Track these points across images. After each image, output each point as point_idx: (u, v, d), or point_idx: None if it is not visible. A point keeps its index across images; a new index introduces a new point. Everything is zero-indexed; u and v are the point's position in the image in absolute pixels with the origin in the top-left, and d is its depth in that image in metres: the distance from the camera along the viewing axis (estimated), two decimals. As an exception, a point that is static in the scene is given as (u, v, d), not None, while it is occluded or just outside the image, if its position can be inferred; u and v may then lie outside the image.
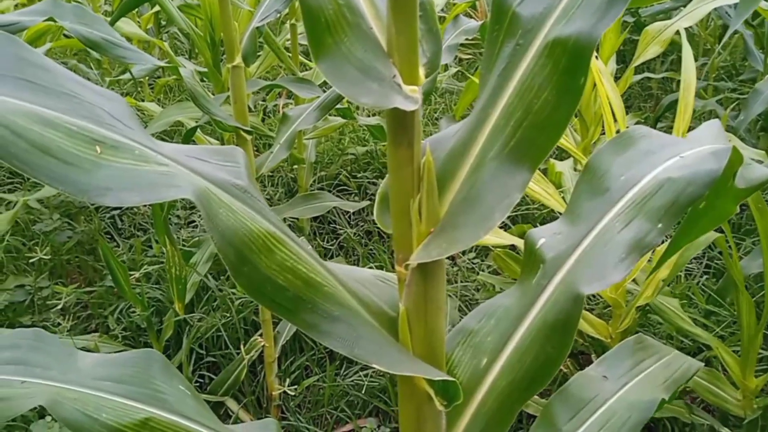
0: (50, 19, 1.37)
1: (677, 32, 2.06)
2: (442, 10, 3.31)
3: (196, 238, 2.21)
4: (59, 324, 2.06)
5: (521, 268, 0.78)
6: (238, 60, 1.61)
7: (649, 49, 1.96)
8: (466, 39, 2.89)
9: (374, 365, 0.57)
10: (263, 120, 3.31)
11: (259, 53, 2.97)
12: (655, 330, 2.21)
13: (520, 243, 1.73)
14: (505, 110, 0.57)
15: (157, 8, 3.38)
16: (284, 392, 1.87)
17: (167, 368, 0.73)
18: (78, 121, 0.50)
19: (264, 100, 3.52)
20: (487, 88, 0.59)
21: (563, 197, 1.93)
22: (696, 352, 2.14)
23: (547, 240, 0.75)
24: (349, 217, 2.70)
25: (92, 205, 2.65)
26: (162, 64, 1.47)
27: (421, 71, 0.56)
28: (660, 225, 0.71)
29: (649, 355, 0.93)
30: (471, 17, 3.11)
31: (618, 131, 1.52)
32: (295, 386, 1.88)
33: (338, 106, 2.28)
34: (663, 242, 1.37)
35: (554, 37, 0.55)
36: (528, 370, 0.69)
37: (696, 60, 3.83)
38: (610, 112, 1.48)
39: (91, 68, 3.96)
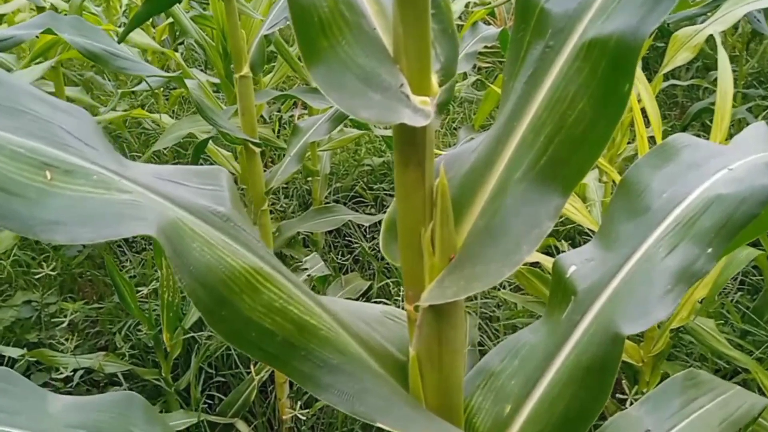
0: (48, 31, 1.31)
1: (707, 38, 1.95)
2: (459, 17, 3.23)
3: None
4: (67, 340, 2.00)
5: (549, 299, 0.69)
6: (246, 70, 1.54)
7: (678, 56, 1.85)
8: (485, 47, 2.81)
9: (379, 424, 0.49)
10: (278, 132, 3.25)
11: (273, 64, 2.91)
12: (687, 351, 2.10)
13: (543, 259, 1.64)
14: (534, 123, 0.48)
15: (171, 19, 3.34)
16: (296, 415, 1.79)
17: (149, 413, 0.64)
18: (26, 141, 0.42)
19: (279, 111, 3.45)
20: (512, 97, 0.51)
21: (588, 210, 1.83)
22: (731, 374, 2.02)
23: (579, 267, 0.66)
24: (365, 230, 2.62)
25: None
26: (164, 74, 1.40)
27: (434, 79, 0.47)
28: (710, 250, 0.61)
29: (703, 392, 0.83)
30: (489, 24, 3.03)
31: (651, 138, 1.42)
32: (308, 409, 1.79)
33: (353, 117, 2.21)
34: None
35: (592, 36, 0.46)
36: (559, 421, 0.60)
37: (723, 67, 3.69)
38: (641, 119, 1.38)
39: (109, 80, 3.94)
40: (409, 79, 0.45)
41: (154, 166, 0.51)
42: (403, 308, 0.63)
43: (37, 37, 2.60)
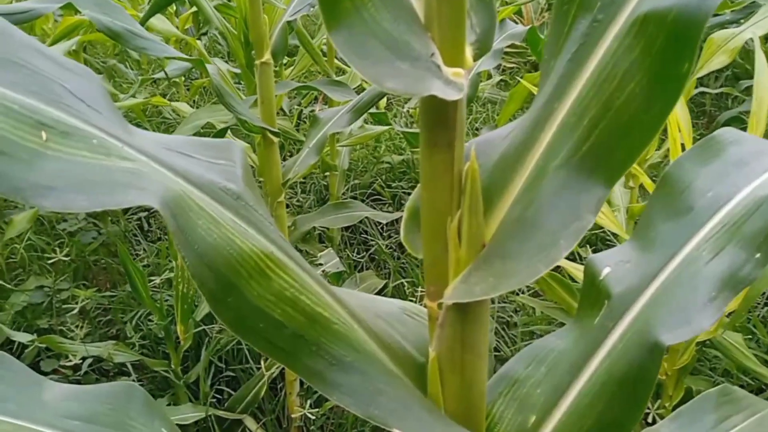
0: (68, 6, 1.28)
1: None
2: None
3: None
4: (78, 327, 1.98)
5: (579, 303, 0.64)
6: (267, 56, 1.50)
7: (714, 60, 1.79)
8: (510, 47, 2.74)
9: (394, 429, 0.44)
10: (298, 125, 3.22)
11: (294, 57, 2.88)
12: (711, 365, 2.03)
13: (565, 264, 1.58)
14: (577, 105, 0.44)
15: (195, 8, 3.33)
16: (305, 414, 1.75)
17: (148, 406, 0.61)
18: (22, 97, 0.39)
19: (300, 105, 3.42)
20: (552, 77, 0.46)
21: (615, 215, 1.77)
22: (757, 391, 1.95)
23: (613, 270, 0.61)
24: (382, 228, 2.57)
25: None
26: (183, 56, 1.37)
27: (468, 51, 0.43)
28: (758, 255, 0.56)
29: (738, 410, 0.77)
30: (517, 23, 2.97)
31: (683, 146, 1.36)
32: (318, 408, 1.75)
33: (373, 111, 2.17)
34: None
35: (647, 10, 0.41)
36: (588, 435, 0.55)
37: (752, 77, 3.60)
38: (675, 122, 1.32)
39: (131, 68, 3.94)
40: (441, 49, 0.41)
41: (163, 135, 0.47)
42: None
43: (56, 20, 2.59)
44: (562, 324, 2.07)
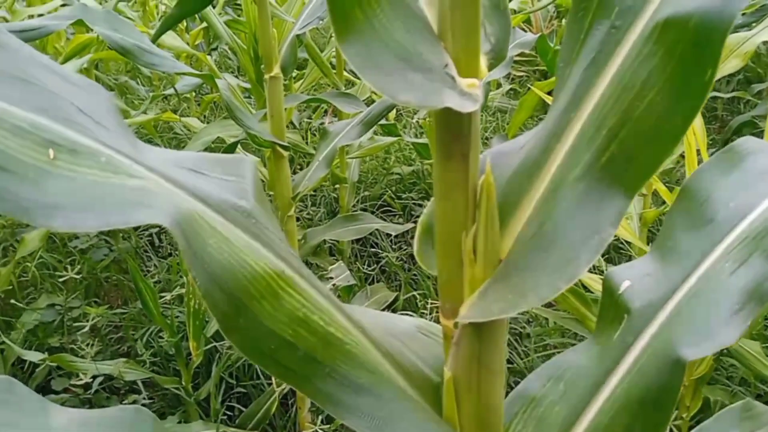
0: (79, 22, 1.29)
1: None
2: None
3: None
4: (89, 345, 1.97)
5: (598, 318, 0.62)
6: (276, 70, 1.50)
7: (727, 63, 1.77)
8: (519, 56, 2.73)
9: (410, 453, 0.43)
10: (307, 139, 3.22)
11: (303, 70, 2.88)
12: (728, 374, 1.99)
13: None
14: (595, 115, 0.42)
15: (205, 24, 3.35)
16: (317, 431, 1.73)
17: (158, 430, 0.59)
18: (30, 115, 0.38)
19: (310, 118, 3.43)
20: (569, 85, 0.45)
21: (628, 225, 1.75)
22: (776, 401, 1.92)
23: (634, 283, 0.60)
24: (392, 240, 2.56)
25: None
26: (193, 71, 1.37)
27: (483, 61, 0.42)
28: (785, 265, 0.55)
29: (760, 424, 0.75)
30: (525, 32, 2.96)
31: (697, 151, 1.34)
32: (329, 425, 1.73)
33: (383, 122, 2.16)
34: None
35: (668, 15, 0.40)
36: (610, 455, 0.54)
37: (765, 81, 3.58)
38: (690, 126, 1.30)
39: (143, 85, 3.96)
40: (455, 60, 0.40)
41: (173, 152, 0.46)
42: (433, 321, 0.58)
43: (68, 38, 2.61)
44: (576, 335, 2.04)
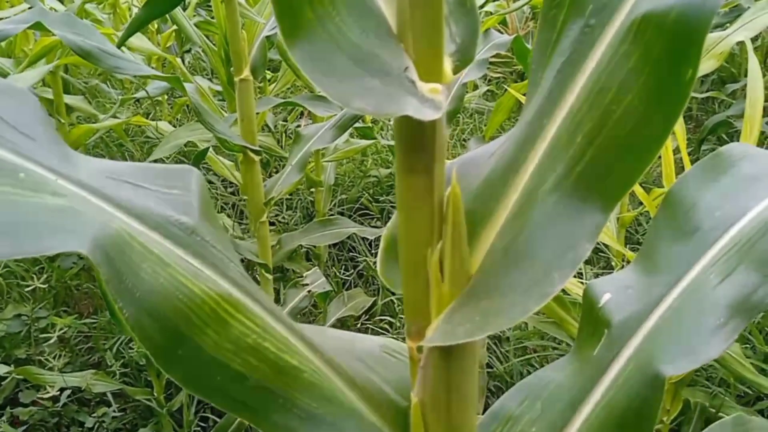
0: (37, 26, 1.23)
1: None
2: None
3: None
4: (57, 357, 1.91)
5: (578, 332, 0.59)
6: (246, 73, 1.46)
7: (702, 64, 1.76)
8: (496, 57, 2.71)
9: (373, 490, 0.39)
10: (283, 142, 3.17)
11: (278, 73, 2.84)
12: (708, 374, 1.99)
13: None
14: (569, 121, 0.39)
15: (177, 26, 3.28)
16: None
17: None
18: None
19: (285, 121, 3.38)
20: (541, 89, 0.41)
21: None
22: (754, 400, 1.92)
23: (614, 296, 0.57)
24: (369, 244, 2.52)
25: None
26: (158, 74, 1.32)
27: (447, 63, 0.38)
28: (773, 276, 0.52)
29: (755, 439, 0.72)
30: (501, 33, 2.94)
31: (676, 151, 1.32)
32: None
33: (358, 125, 2.12)
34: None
35: (644, 12, 0.37)
36: (590, 479, 0.51)
37: (739, 80, 3.60)
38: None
39: (114, 88, 3.88)
40: (416, 63, 0.36)
41: (111, 163, 0.42)
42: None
43: (37, 41, 2.54)
44: (555, 339, 2.02)
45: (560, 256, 0.37)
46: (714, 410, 1.69)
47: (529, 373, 1.94)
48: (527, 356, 1.96)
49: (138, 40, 2.48)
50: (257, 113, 2.08)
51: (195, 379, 0.37)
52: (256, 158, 1.54)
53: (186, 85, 1.48)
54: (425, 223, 0.41)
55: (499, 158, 0.43)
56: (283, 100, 1.78)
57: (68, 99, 2.58)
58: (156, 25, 3.51)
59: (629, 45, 0.37)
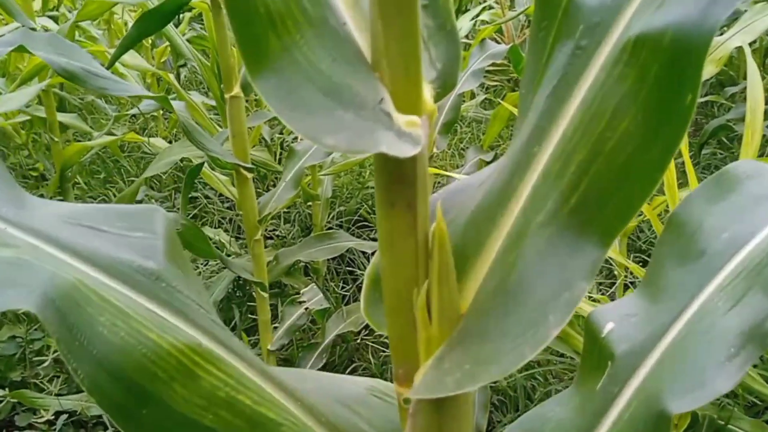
0: (21, 48, 1.21)
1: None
2: (467, 36, 3.13)
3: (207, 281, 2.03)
4: (52, 380, 1.88)
5: (580, 364, 0.56)
6: (237, 90, 1.43)
7: (701, 69, 1.73)
8: (494, 65, 2.69)
9: None
10: (279, 155, 3.14)
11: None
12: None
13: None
14: (561, 149, 0.36)
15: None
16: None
17: None
18: None
19: (281, 133, 3.35)
20: (531, 115, 0.39)
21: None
22: (763, 410, 1.88)
23: (618, 325, 0.54)
24: (368, 257, 2.49)
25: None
26: (146, 94, 1.29)
27: (427, 92, 0.35)
28: (787, 302, 0.49)
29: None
30: (498, 43, 2.92)
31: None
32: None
33: (313, 143, 2.09)
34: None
35: (639, 32, 0.34)
36: None
37: (738, 83, 3.58)
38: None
39: (110, 104, 3.87)
40: (393, 93, 0.33)
41: (69, 206, 0.39)
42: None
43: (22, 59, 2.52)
44: (558, 353, 1.98)
45: (555, 296, 0.34)
46: (723, 422, 1.65)
47: (533, 387, 1.91)
48: (530, 370, 1.92)
49: (131, 57, 2.46)
50: (251, 127, 2.05)
51: (161, 439, 0.34)
52: (249, 175, 1.51)
53: (174, 103, 1.45)
54: (410, 260, 0.38)
55: (489, 189, 0.40)
56: (276, 114, 1.75)
57: (62, 117, 2.56)
58: (151, 41, 3.50)
59: (623, 67, 0.35)
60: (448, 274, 0.38)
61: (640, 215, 1.73)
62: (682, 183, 1.48)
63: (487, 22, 2.52)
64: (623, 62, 0.35)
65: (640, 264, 2.08)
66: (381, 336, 2.14)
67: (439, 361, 0.37)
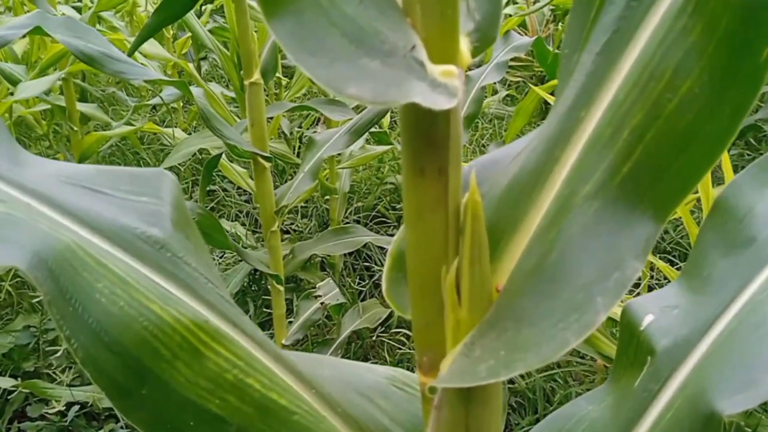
0: (37, 30, 1.19)
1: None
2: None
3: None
4: (65, 370, 1.87)
5: (615, 358, 0.52)
6: (257, 76, 1.41)
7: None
8: (516, 60, 2.64)
9: None
10: (298, 149, 3.12)
11: (289, 79, 2.79)
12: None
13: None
14: (613, 112, 0.32)
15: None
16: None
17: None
18: None
19: (300, 127, 3.33)
20: (576, 76, 0.35)
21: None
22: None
23: (658, 318, 0.50)
24: (386, 253, 2.45)
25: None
26: (162, 78, 1.27)
27: (464, 44, 0.32)
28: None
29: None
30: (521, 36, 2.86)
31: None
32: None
33: (374, 130, 2.07)
34: None
35: (706, -22, 0.30)
36: None
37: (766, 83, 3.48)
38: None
39: (131, 95, 3.87)
40: (426, 41, 0.30)
41: (70, 166, 0.36)
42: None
43: (35, 44, 2.52)
44: (579, 353, 1.93)
45: (604, 276, 0.31)
46: (750, 429, 1.59)
47: (552, 389, 1.86)
48: (550, 371, 1.87)
49: (152, 46, 2.45)
50: (270, 119, 2.03)
51: (162, 424, 0.31)
52: (267, 165, 1.49)
53: (193, 89, 1.43)
54: (438, 236, 0.34)
55: (527, 159, 0.36)
56: (295, 105, 1.73)
57: (82, 107, 2.56)
58: (172, 32, 3.49)
59: (687, 20, 0.31)
60: (482, 250, 0.34)
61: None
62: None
63: (511, 15, 2.47)
64: (688, 13, 0.31)
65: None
66: (397, 333, 2.10)
67: (469, 347, 0.33)
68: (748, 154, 3.13)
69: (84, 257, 0.30)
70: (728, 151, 2.99)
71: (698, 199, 1.33)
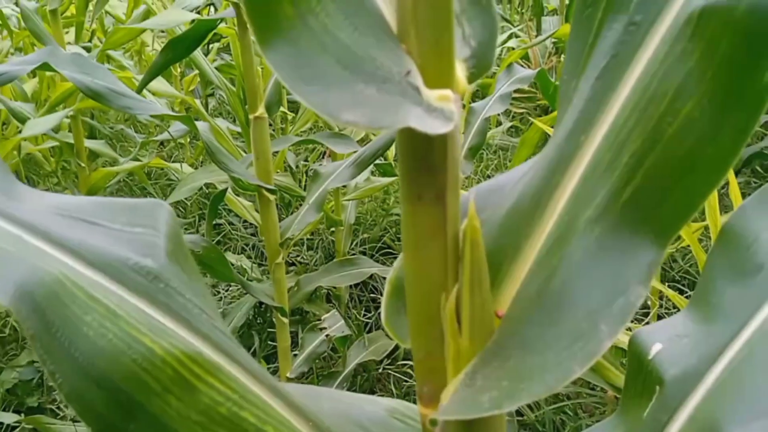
0: (45, 66, 1.21)
1: None
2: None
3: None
4: (67, 406, 1.85)
5: (624, 388, 0.51)
6: (261, 110, 1.42)
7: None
8: (519, 92, 2.66)
9: None
10: (305, 182, 3.13)
11: (294, 113, 2.82)
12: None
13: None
14: (613, 137, 0.32)
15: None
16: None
17: None
18: None
19: (307, 161, 3.35)
20: (576, 102, 0.34)
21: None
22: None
23: (666, 347, 0.48)
24: (393, 285, 2.43)
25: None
26: (169, 113, 1.28)
27: (460, 69, 0.31)
28: None
29: None
30: (524, 68, 2.89)
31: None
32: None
33: (378, 161, 2.07)
34: None
35: (704, 4, 0.30)
36: None
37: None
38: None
39: (139, 132, 3.91)
40: (421, 67, 0.29)
41: (63, 198, 0.36)
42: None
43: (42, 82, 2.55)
44: (589, 384, 1.90)
45: (608, 303, 0.30)
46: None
47: (563, 422, 1.83)
48: (560, 403, 1.84)
49: (160, 84, 2.48)
50: (275, 152, 2.04)
51: (151, 460, 0.30)
52: (272, 198, 1.49)
53: (199, 124, 1.44)
54: (437, 262, 0.33)
55: (527, 184, 0.36)
56: (300, 138, 1.74)
57: (90, 144, 2.58)
58: (179, 70, 3.54)
59: (687, 42, 0.30)
60: (482, 277, 0.33)
61: (676, 240, 1.66)
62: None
63: (514, 48, 2.50)
64: (687, 37, 0.30)
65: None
66: (404, 365, 2.07)
67: (471, 376, 0.32)
68: (755, 182, 3.12)
69: (73, 289, 0.29)
70: (737, 175, 2.98)
71: (706, 227, 1.32)
